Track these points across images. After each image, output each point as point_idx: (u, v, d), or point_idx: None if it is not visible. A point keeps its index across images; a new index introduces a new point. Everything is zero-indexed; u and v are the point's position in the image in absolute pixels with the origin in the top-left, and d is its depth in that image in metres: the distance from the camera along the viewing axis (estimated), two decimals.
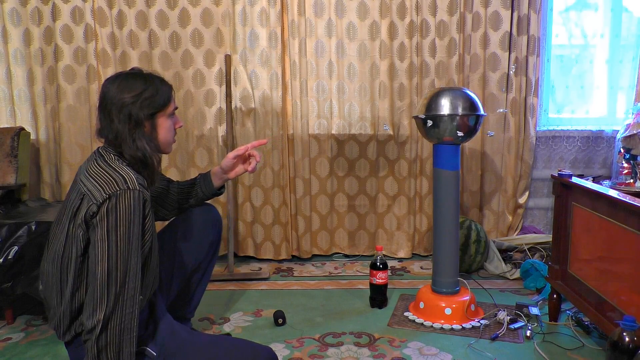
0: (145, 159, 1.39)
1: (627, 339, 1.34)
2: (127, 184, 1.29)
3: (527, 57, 2.79)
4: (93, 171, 1.35)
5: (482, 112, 1.99)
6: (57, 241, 1.38)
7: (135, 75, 1.41)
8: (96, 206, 1.27)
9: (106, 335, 1.26)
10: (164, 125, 1.44)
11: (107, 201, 1.27)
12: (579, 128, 2.98)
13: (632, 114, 2.72)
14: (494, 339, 1.90)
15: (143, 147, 1.38)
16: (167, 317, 1.57)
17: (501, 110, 2.80)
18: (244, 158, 1.79)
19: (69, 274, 1.35)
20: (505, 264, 2.66)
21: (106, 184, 1.29)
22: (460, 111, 1.94)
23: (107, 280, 1.26)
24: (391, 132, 2.89)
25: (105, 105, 1.37)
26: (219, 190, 1.81)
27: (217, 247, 1.88)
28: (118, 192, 1.27)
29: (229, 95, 2.66)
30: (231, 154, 1.75)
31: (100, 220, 1.27)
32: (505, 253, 2.77)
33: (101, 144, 1.47)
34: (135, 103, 1.36)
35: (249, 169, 1.77)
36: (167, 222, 1.86)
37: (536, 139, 2.93)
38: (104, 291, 1.26)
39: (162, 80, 1.44)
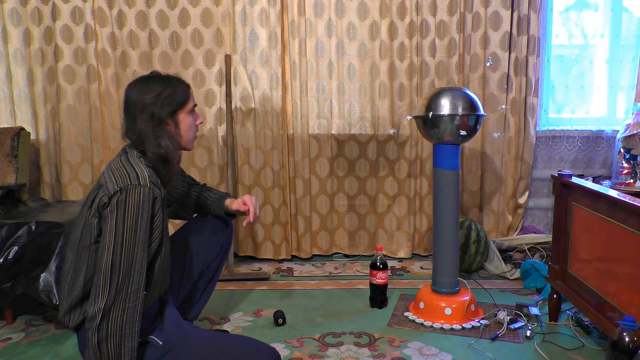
0: (167, 156, 1.46)
1: (627, 339, 1.34)
2: (139, 179, 1.36)
3: (527, 57, 2.79)
4: (115, 166, 1.43)
5: (482, 112, 1.99)
6: (77, 229, 1.45)
7: (154, 77, 1.50)
8: (107, 197, 1.35)
9: (107, 327, 1.30)
10: (185, 122, 1.51)
11: (118, 194, 1.34)
12: (579, 128, 2.98)
13: (632, 114, 2.72)
14: (494, 339, 1.90)
15: (166, 145, 1.45)
16: (175, 312, 1.62)
17: (502, 107, 2.80)
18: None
19: (82, 260, 1.42)
20: (505, 264, 2.66)
21: (120, 177, 1.37)
22: (460, 111, 1.94)
23: (111, 270, 1.31)
24: (391, 132, 2.89)
25: (128, 107, 1.46)
26: (228, 217, 1.86)
27: (226, 250, 1.93)
28: (129, 186, 1.35)
29: (229, 95, 2.66)
30: (234, 206, 1.81)
31: (110, 212, 1.34)
32: (505, 253, 2.77)
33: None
34: (156, 103, 1.44)
35: (243, 223, 1.84)
36: (181, 224, 1.93)
37: (536, 139, 2.93)
38: (106, 280, 1.31)
39: (179, 80, 1.52)
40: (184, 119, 1.51)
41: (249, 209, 1.79)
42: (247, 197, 1.82)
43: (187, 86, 1.54)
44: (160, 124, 1.45)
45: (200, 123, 1.61)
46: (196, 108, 1.58)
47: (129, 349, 1.33)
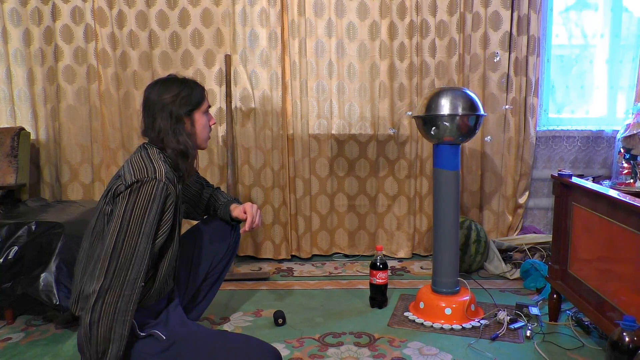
0: (187, 151, 1.54)
1: (627, 339, 1.34)
2: (156, 174, 1.43)
3: (527, 57, 2.79)
4: (134, 160, 1.50)
5: (482, 112, 1.99)
6: (93, 218, 1.51)
7: (172, 79, 1.59)
8: (124, 186, 1.42)
9: (100, 309, 1.34)
10: (200, 122, 1.60)
11: (134, 184, 1.40)
12: (579, 128, 2.98)
13: (632, 114, 2.72)
14: (494, 339, 1.90)
15: (185, 141, 1.53)
16: (179, 309, 1.67)
17: (506, 107, 2.80)
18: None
19: (95, 248, 1.46)
20: (505, 264, 2.66)
21: (139, 170, 1.44)
22: (460, 111, 1.94)
23: (111, 254, 1.36)
24: (390, 132, 2.89)
25: (148, 107, 1.54)
26: (232, 222, 1.90)
27: (232, 254, 1.96)
28: (145, 179, 1.41)
29: (229, 95, 2.66)
30: (234, 213, 1.86)
31: (122, 199, 1.40)
32: (505, 253, 2.77)
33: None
34: (174, 102, 1.53)
35: (240, 231, 1.89)
36: (190, 227, 1.97)
37: (536, 139, 2.93)
38: (105, 263, 1.36)
39: (195, 82, 1.62)
40: (199, 118, 1.60)
41: (246, 218, 1.82)
42: (248, 205, 1.84)
43: (203, 88, 1.63)
44: (178, 122, 1.53)
45: (214, 124, 1.68)
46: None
47: (119, 336, 1.36)
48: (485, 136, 2.85)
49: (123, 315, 1.36)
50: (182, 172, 1.56)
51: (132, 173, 1.43)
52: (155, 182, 1.42)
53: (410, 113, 2.75)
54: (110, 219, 1.42)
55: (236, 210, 1.85)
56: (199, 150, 1.71)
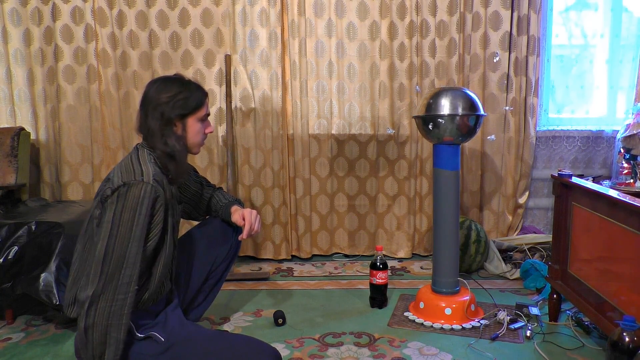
0: (174, 154, 1.51)
1: (627, 339, 1.34)
2: (142, 176, 1.41)
3: (527, 57, 2.79)
4: (125, 162, 1.49)
5: (482, 112, 1.99)
6: (86, 220, 1.51)
7: (174, 79, 1.56)
8: (110, 190, 1.40)
9: (94, 314, 1.34)
10: (193, 128, 1.56)
11: (121, 188, 1.39)
12: (579, 128, 2.98)
13: (632, 114, 2.72)
14: (494, 339, 1.90)
15: (172, 144, 1.50)
16: (178, 310, 1.66)
17: (506, 109, 2.80)
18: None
19: (87, 251, 1.46)
20: (505, 264, 2.66)
21: (126, 172, 1.43)
22: (460, 111, 1.94)
23: (103, 259, 1.36)
24: (388, 132, 2.89)
25: (144, 103, 1.52)
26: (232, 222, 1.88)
27: (234, 255, 1.95)
28: (132, 182, 1.40)
29: (229, 95, 2.66)
30: (233, 218, 1.84)
31: (110, 204, 1.39)
32: (505, 253, 2.77)
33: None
34: (169, 103, 1.50)
35: (239, 237, 1.84)
36: (191, 227, 1.97)
37: (536, 139, 2.93)
38: (97, 269, 1.36)
39: (198, 87, 1.57)
40: (192, 124, 1.55)
41: (244, 225, 1.79)
42: (247, 212, 1.80)
43: (204, 94, 1.58)
44: (168, 124, 1.50)
45: (210, 132, 1.65)
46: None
47: (114, 340, 1.36)
48: (487, 136, 2.86)
49: (118, 319, 1.36)
50: (172, 173, 1.54)
51: (120, 176, 1.42)
52: (142, 184, 1.40)
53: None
54: (99, 223, 1.41)
55: (235, 215, 1.82)
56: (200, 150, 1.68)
